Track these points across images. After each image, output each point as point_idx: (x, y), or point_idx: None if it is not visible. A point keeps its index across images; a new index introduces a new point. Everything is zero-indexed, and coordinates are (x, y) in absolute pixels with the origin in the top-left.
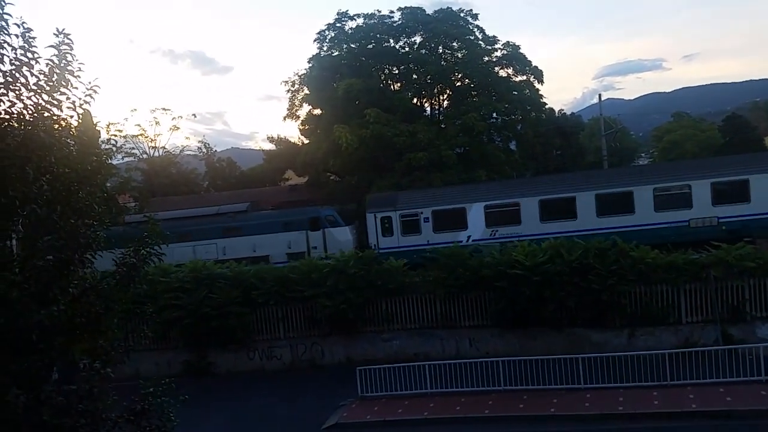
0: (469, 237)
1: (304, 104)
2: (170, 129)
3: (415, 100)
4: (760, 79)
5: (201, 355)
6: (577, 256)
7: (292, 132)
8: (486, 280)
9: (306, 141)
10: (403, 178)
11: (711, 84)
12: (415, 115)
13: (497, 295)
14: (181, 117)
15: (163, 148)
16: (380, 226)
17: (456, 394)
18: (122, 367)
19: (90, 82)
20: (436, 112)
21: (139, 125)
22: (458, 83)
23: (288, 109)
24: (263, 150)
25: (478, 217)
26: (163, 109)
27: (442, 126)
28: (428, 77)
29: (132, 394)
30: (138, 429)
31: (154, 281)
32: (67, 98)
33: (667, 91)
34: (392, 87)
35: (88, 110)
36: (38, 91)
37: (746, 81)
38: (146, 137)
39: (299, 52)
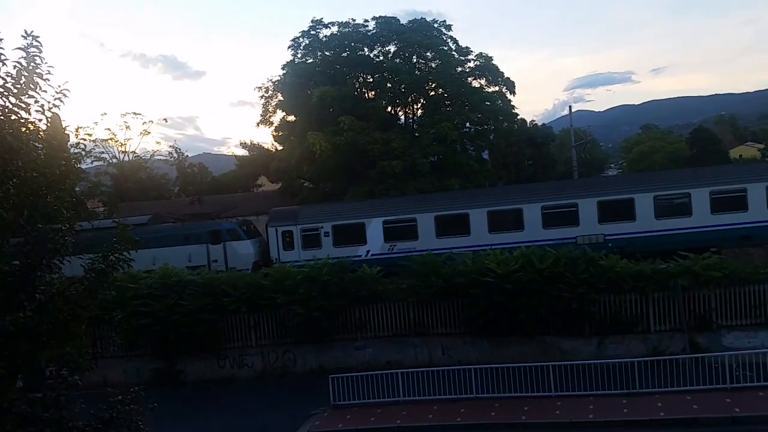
0: (368, 251)
1: (277, 110)
2: (141, 133)
3: (389, 109)
4: (725, 93)
5: (170, 362)
6: (548, 265)
7: (266, 138)
8: (459, 287)
9: (279, 147)
10: (377, 186)
11: (679, 97)
12: (389, 124)
13: (470, 303)
14: (152, 121)
15: (134, 152)
16: (282, 239)
17: (428, 402)
18: (90, 375)
19: (59, 86)
20: (410, 120)
21: (109, 129)
22: (432, 93)
23: (261, 115)
24: (236, 156)
25: (376, 232)
26: (134, 113)
27: (416, 135)
28: (402, 86)
29: (100, 403)
30: None
31: (123, 287)
32: (36, 101)
33: (636, 103)
34: (366, 95)
35: (57, 114)
36: (5, 93)
37: (712, 95)
38: (116, 141)
39: (273, 59)
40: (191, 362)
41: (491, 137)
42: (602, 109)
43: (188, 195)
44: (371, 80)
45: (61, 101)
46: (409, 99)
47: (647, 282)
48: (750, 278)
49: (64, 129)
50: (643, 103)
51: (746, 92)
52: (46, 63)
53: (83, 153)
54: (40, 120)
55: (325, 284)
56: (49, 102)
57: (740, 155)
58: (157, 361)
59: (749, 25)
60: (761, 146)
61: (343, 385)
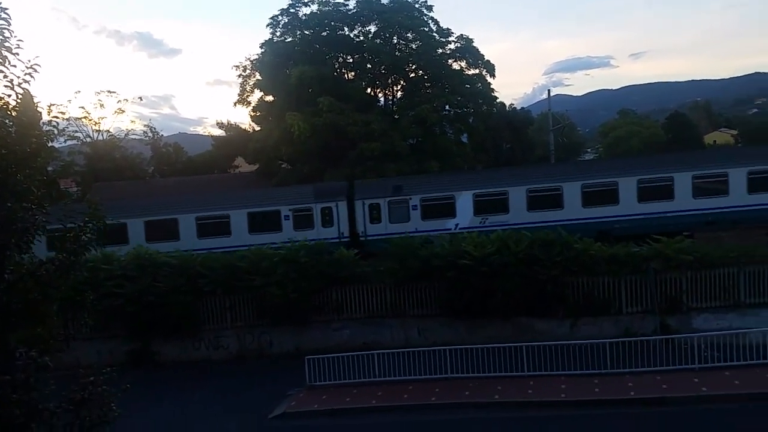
0: (456, 225)
1: (255, 90)
2: (115, 112)
3: (369, 90)
4: (702, 79)
5: (145, 344)
6: (524, 248)
7: (243, 118)
8: (436, 270)
9: (257, 128)
10: (356, 168)
11: (656, 82)
12: (368, 105)
13: (446, 285)
14: (127, 100)
15: (108, 131)
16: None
17: (404, 382)
18: (62, 356)
19: (29, 61)
20: (390, 102)
21: (83, 108)
22: (412, 74)
23: (239, 95)
24: (212, 136)
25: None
26: (108, 91)
27: (396, 117)
28: (382, 67)
29: (72, 384)
30: (77, 419)
31: (96, 268)
32: (4, 76)
33: (614, 88)
34: (346, 76)
35: (27, 90)
36: None
37: (689, 81)
38: (90, 120)
39: (251, 37)
40: (166, 344)
41: (470, 120)
42: (580, 94)
43: (163, 176)
44: (351, 61)
45: (32, 77)
46: (389, 80)
47: (620, 265)
48: (720, 262)
49: (36, 106)
50: (621, 87)
51: (723, 78)
52: (15, 37)
53: (56, 131)
54: (9, 96)
55: (302, 266)
56: (18, 77)
57: (714, 141)
58: (131, 342)
59: (729, 10)
60: (735, 132)
61: (319, 366)
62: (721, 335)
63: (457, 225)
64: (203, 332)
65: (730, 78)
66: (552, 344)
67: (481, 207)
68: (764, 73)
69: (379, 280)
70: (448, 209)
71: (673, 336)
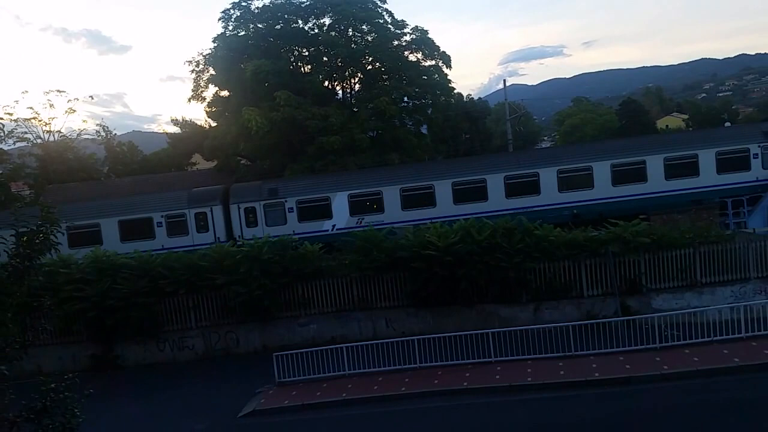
0: (333, 226)
1: (210, 85)
2: (66, 112)
3: (326, 83)
4: (652, 66)
5: (107, 348)
6: (486, 236)
7: (199, 114)
8: (401, 261)
9: (213, 124)
10: (317, 162)
11: (608, 70)
12: (326, 99)
13: (412, 276)
14: (78, 99)
15: (59, 132)
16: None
17: (373, 374)
18: (21, 364)
19: None
20: (348, 95)
21: (31, 108)
22: (369, 67)
23: (193, 91)
24: (167, 133)
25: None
26: (58, 90)
27: (355, 110)
28: (339, 60)
29: (33, 392)
30: (40, 428)
31: (54, 272)
32: None
33: (568, 76)
34: (302, 69)
35: None
36: None
37: (640, 67)
38: (40, 121)
39: (203, 31)
40: (129, 347)
41: (429, 112)
42: (535, 83)
43: (118, 175)
44: (307, 54)
45: None
46: (346, 73)
47: (580, 249)
48: (676, 243)
49: None
50: (575, 76)
51: (671, 64)
52: None
53: (3, 133)
54: None
55: (265, 263)
56: None
57: (666, 125)
58: (93, 346)
59: None
60: (686, 117)
61: (288, 362)
62: (679, 314)
63: (334, 226)
64: (167, 333)
65: (679, 64)
66: (517, 329)
67: (357, 207)
68: (711, 58)
69: (345, 273)
70: (324, 210)
71: (633, 317)
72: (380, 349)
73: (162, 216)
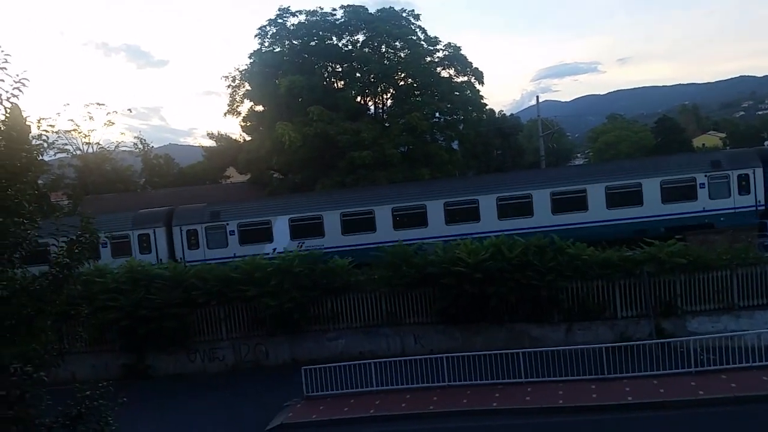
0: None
1: (245, 100)
2: (105, 124)
3: (358, 99)
4: (688, 83)
5: (140, 357)
6: (518, 253)
7: (233, 128)
8: (430, 277)
9: (248, 138)
10: (348, 177)
11: (643, 87)
12: (358, 114)
13: (441, 292)
14: (116, 112)
15: (98, 144)
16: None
17: (401, 390)
18: (57, 371)
19: (18, 75)
20: (380, 110)
21: (72, 120)
22: (401, 83)
23: (228, 105)
24: (203, 147)
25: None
26: (97, 103)
27: (386, 125)
28: (371, 76)
29: (68, 399)
30: None
31: (90, 282)
32: None
33: (602, 93)
34: (335, 85)
35: (16, 104)
36: None
37: (676, 85)
38: (79, 133)
39: (239, 47)
40: (161, 357)
41: (461, 127)
42: (569, 99)
43: (155, 187)
44: (340, 70)
45: (20, 91)
46: (379, 89)
47: (614, 269)
48: (713, 264)
49: (25, 120)
50: (609, 93)
51: (708, 82)
52: (2, 51)
53: (45, 144)
54: None
55: (296, 276)
56: (7, 92)
57: (703, 144)
58: (125, 355)
59: (712, 16)
60: (723, 135)
61: (316, 376)
62: (716, 338)
63: (274, 249)
64: (198, 344)
65: (716, 82)
66: (548, 350)
67: (298, 231)
68: (750, 76)
69: (374, 288)
70: (265, 234)
71: (668, 340)
72: (408, 366)
73: (106, 237)
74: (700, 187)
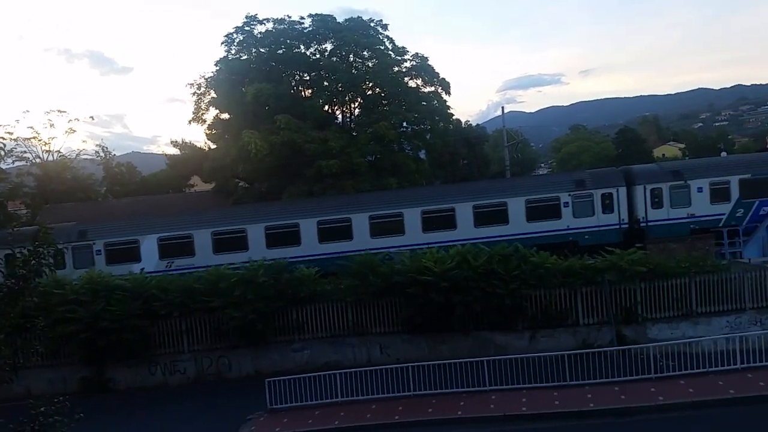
0: (142, 270)
1: (210, 108)
2: (66, 132)
3: (326, 108)
4: (649, 95)
5: (99, 370)
6: (483, 262)
7: (198, 136)
8: (397, 286)
9: (213, 146)
10: (315, 185)
11: (605, 98)
12: (326, 123)
13: (407, 301)
14: (78, 119)
15: (58, 152)
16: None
17: (367, 401)
18: (10, 387)
19: None
20: (348, 120)
21: (31, 128)
22: (369, 92)
23: (193, 113)
24: (166, 155)
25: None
26: (59, 110)
27: (354, 134)
28: (339, 85)
29: (21, 416)
30: None
31: (47, 293)
32: None
33: (565, 104)
34: (303, 93)
35: None
36: None
37: (637, 96)
38: (39, 140)
39: (205, 55)
40: (121, 369)
41: (428, 137)
42: (533, 110)
43: (116, 196)
44: (308, 78)
45: None
46: (347, 98)
47: (576, 277)
48: (672, 272)
49: None
50: (572, 104)
51: (668, 94)
52: None
53: (3, 152)
54: None
55: (261, 286)
56: None
57: (663, 154)
58: (84, 369)
59: (671, 29)
60: (682, 146)
61: (280, 388)
62: (675, 344)
63: (143, 270)
64: (159, 357)
65: (676, 93)
66: (512, 357)
67: (167, 250)
68: (708, 88)
69: (340, 298)
70: (133, 253)
71: (629, 347)
72: (374, 376)
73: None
74: (564, 206)
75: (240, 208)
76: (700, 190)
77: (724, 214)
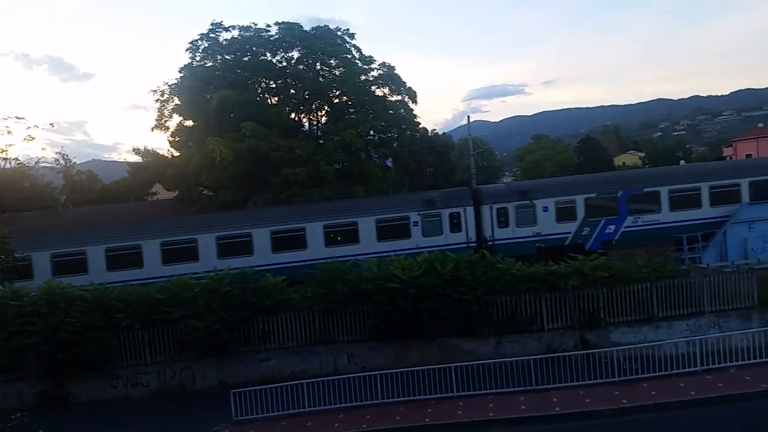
0: None
1: (174, 115)
2: (24, 139)
3: (293, 115)
4: (611, 105)
5: (58, 384)
6: (450, 269)
7: (161, 144)
8: (364, 294)
9: (176, 153)
10: (281, 194)
11: (568, 108)
12: (293, 131)
13: (375, 309)
14: (37, 126)
15: (16, 159)
16: None
17: (334, 410)
18: None
19: None
20: (315, 127)
21: None
22: (336, 100)
23: (156, 120)
24: (128, 162)
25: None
26: (17, 117)
27: (321, 142)
28: (306, 93)
29: None
30: None
31: (4, 305)
32: None
33: (529, 114)
34: (269, 101)
35: None
36: None
37: (598, 106)
38: None
39: (169, 61)
40: (81, 383)
41: (395, 145)
42: (497, 120)
43: (76, 204)
44: (274, 86)
45: None
46: (313, 106)
47: (540, 283)
48: (633, 278)
49: None
50: (535, 113)
51: (628, 104)
52: None
53: None
54: None
55: (225, 295)
56: None
57: (623, 162)
58: (42, 383)
59: (632, 42)
60: (642, 154)
61: (245, 399)
62: (637, 348)
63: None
64: (121, 369)
65: (636, 104)
66: (479, 363)
67: (60, 267)
68: (666, 99)
69: (307, 306)
70: (25, 271)
71: (593, 351)
72: (342, 385)
73: None
74: (414, 225)
75: (191, 218)
76: (545, 209)
77: (570, 233)
